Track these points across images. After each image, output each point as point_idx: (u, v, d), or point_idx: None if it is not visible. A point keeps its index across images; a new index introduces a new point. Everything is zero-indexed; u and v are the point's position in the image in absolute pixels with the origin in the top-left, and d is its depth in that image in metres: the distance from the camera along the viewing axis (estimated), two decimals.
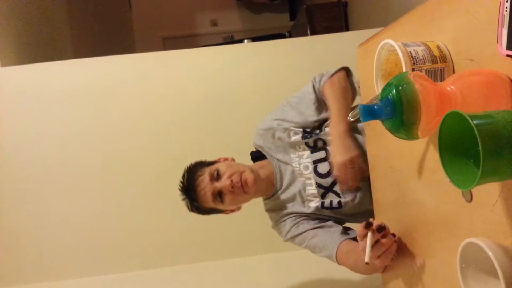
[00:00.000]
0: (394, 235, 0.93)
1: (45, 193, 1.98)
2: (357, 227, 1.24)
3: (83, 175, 1.99)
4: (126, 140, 2.02)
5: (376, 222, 0.91)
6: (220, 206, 1.22)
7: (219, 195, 1.19)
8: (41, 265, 1.96)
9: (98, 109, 2.02)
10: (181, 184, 1.25)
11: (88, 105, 2.01)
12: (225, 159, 1.32)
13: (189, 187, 1.21)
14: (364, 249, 0.90)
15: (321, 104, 1.29)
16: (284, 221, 1.27)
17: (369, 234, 0.89)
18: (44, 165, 1.98)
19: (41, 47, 2.73)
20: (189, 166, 1.27)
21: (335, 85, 1.24)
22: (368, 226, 0.89)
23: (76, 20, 3.36)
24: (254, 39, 3.30)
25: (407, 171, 0.89)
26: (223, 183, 1.17)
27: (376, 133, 1.05)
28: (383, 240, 0.90)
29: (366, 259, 0.85)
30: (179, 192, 1.25)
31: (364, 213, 1.22)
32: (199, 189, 1.19)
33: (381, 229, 0.90)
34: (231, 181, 1.16)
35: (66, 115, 2.00)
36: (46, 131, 1.99)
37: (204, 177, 1.19)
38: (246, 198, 1.22)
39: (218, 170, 1.20)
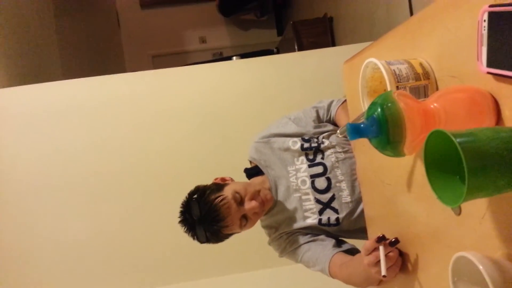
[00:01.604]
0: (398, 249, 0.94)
1: (39, 213, 1.96)
2: (352, 241, 1.26)
3: (76, 194, 1.98)
4: (118, 159, 2.01)
5: (385, 236, 0.91)
6: (241, 230, 1.18)
7: (244, 218, 1.15)
8: (42, 283, 1.94)
9: (89, 130, 2.01)
10: (189, 216, 1.13)
11: (79, 126, 2.01)
12: (223, 179, 1.27)
13: (207, 216, 1.10)
14: (370, 264, 0.91)
15: (320, 122, 1.32)
16: (280, 237, 1.26)
17: (382, 248, 0.89)
18: (35, 187, 1.96)
19: (29, 68, 2.72)
20: (196, 195, 1.15)
21: (348, 110, 1.26)
22: (381, 240, 0.89)
23: (64, 40, 3.37)
24: (243, 55, 3.34)
25: (396, 185, 0.90)
26: (250, 205, 1.13)
27: (365, 148, 1.06)
28: (391, 254, 0.90)
29: (383, 272, 0.85)
30: (182, 227, 1.16)
31: (360, 230, 1.22)
32: (229, 218, 1.11)
33: (394, 243, 0.90)
34: (259, 203, 1.14)
35: (57, 136, 2.00)
36: (37, 153, 1.98)
37: (231, 204, 1.11)
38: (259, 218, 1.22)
39: (238, 193, 1.14)
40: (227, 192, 1.13)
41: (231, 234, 1.19)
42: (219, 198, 1.11)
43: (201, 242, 1.16)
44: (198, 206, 1.11)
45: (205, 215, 1.10)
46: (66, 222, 1.97)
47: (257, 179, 1.31)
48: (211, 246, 1.88)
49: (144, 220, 2.00)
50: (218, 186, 1.18)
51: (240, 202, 1.14)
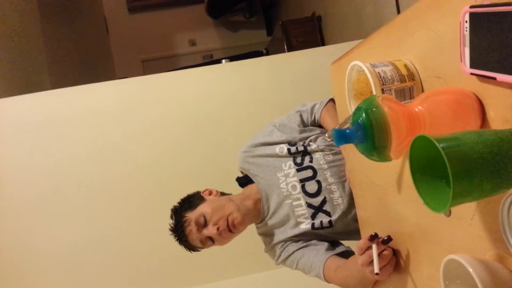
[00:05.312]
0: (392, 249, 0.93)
1: (32, 225, 1.95)
2: (348, 243, 1.26)
3: (69, 204, 1.97)
4: (110, 166, 2.00)
5: (377, 234, 0.90)
6: (211, 246, 1.23)
7: (209, 238, 1.20)
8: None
9: (80, 139, 2.00)
10: (170, 227, 1.26)
11: (69, 136, 2.00)
12: (210, 192, 1.30)
13: (179, 234, 1.22)
14: (364, 264, 0.90)
15: (305, 127, 1.32)
16: (275, 246, 1.26)
17: (374, 246, 0.88)
18: (26, 198, 1.95)
19: (16, 78, 2.69)
20: (175, 209, 1.27)
21: (332, 112, 1.28)
22: (373, 238, 0.89)
23: (52, 48, 3.33)
24: (232, 58, 3.33)
25: (386, 185, 0.89)
26: (210, 231, 1.18)
27: (354, 149, 1.06)
28: (385, 253, 0.90)
29: (376, 270, 0.85)
30: (170, 232, 1.26)
31: (354, 231, 1.21)
32: (190, 239, 1.20)
33: (387, 241, 0.89)
34: (217, 229, 1.16)
35: (47, 146, 1.98)
36: (28, 163, 1.96)
37: (192, 228, 1.19)
38: (236, 235, 1.23)
39: (204, 216, 1.20)
40: (196, 213, 1.20)
41: (202, 247, 1.25)
42: (184, 220, 1.21)
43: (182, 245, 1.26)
44: (175, 221, 1.24)
45: (174, 229, 1.24)
46: (57, 230, 1.96)
47: (247, 189, 1.32)
48: (209, 251, 1.90)
49: (138, 226, 1.99)
50: (196, 202, 1.25)
51: (205, 225, 1.19)
